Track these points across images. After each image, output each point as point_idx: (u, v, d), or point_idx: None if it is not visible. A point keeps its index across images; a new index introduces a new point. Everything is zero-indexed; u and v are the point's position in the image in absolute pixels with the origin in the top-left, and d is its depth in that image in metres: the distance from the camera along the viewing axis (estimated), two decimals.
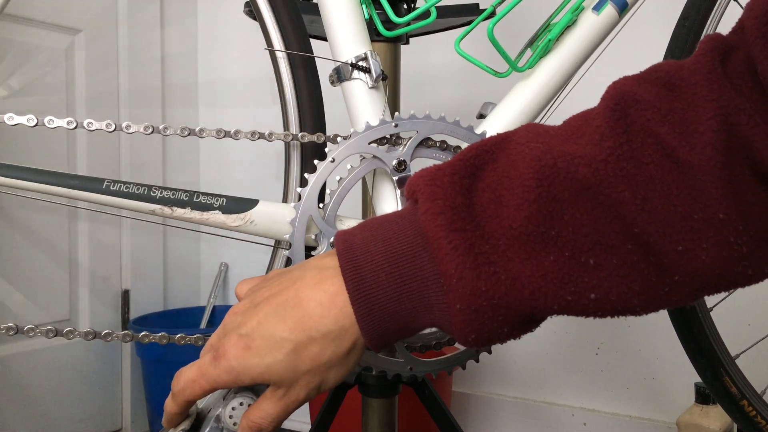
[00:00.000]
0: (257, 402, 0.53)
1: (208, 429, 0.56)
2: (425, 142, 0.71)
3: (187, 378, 0.52)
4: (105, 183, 0.69)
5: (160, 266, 1.86)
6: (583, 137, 0.45)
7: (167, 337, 0.77)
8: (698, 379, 1.04)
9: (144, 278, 1.80)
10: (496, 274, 0.45)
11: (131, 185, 0.69)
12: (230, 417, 0.56)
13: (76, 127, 0.71)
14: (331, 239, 0.69)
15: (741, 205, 0.43)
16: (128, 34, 1.75)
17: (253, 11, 0.83)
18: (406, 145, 0.70)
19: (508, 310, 0.45)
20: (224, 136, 0.74)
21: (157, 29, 1.84)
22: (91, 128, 0.71)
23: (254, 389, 0.55)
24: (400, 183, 0.70)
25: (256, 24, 0.83)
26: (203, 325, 1.79)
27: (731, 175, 0.42)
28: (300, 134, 0.78)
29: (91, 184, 0.69)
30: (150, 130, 0.72)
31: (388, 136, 0.71)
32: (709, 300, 0.98)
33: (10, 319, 0.73)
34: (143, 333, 0.76)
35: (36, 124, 0.70)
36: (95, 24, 1.68)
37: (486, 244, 0.45)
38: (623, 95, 0.46)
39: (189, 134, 0.73)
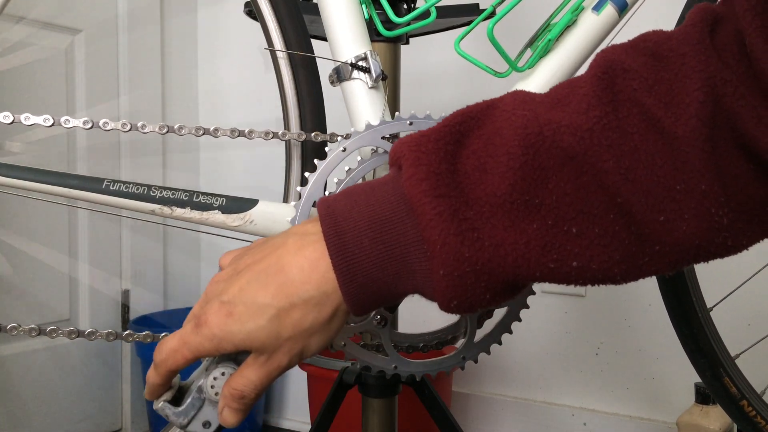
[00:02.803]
0: (239, 370, 0.52)
1: (189, 399, 0.56)
2: None
3: (168, 348, 0.52)
4: (105, 183, 0.69)
5: (160, 266, 1.86)
6: (569, 105, 0.45)
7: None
8: (698, 379, 1.04)
9: (144, 278, 1.80)
10: (479, 240, 0.45)
11: (131, 185, 0.69)
12: (212, 387, 0.55)
13: (91, 127, 0.71)
14: None
15: (723, 177, 0.43)
16: (128, 34, 1.75)
17: (253, 11, 0.83)
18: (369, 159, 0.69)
19: (491, 276, 0.46)
20: (239, 136, 0.74)
21: (158, 29, 1.84)
22: (87, 127, 0.71)
23: (236, 359, 0.54)
24: None
25: (256, 25, 0.83)
26: None
27: (715, 147, 0.43)
28: (300, 134, 0.78)
29: (91, 183, 0.69)
30: (165, 130, 0.72)
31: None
32: (709, 300, 0.98)
33: (10, 319, 0.73)
34: (145, 333, 0.77)
35: (52, 124, 0.70)
36: (95, 24, 1.68)
37: (470, 211, 0.45)
38: (611, 64, 0.46)
39: (188, 134, 0.73)
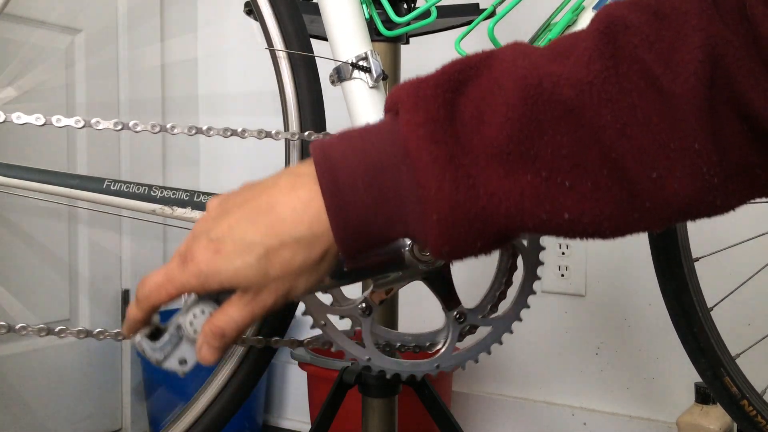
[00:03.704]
0: (222, 308, 0.52)
1: (167, 336, 0.55)
2: None
3: (152, 283, 0.52)
4: (105, 183, 0.69)
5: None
6: (570, 58, 0.45)
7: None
8: (698, 379, 1.04)
9: None
10: (474, 188, 0.45)
11: (132, 185, 0.69)
12: (191, 324, 0.54)
13: (83, 126, 0.70)
14: None
15: (717, 138, 0.43)
16: (128, 34, 1.74)
17: (253, 11, 0.83)
18: None
19: (484, 224, 0.46)
20: (222, 135, 0.74)
21: (158, 29, 1.84)
22: (79, 126, 0.71)
23: (217, 299, 0.54)
24: None
25: (256, 25, 0.83)
26: None
27: (711, 107, 0.43)
28: (294, 133, 0.78)
29: (92, 183, 0.69)
30: (158, 129, 0.72)
31: None
32: (710, 299, 0.98)
33: (10, 319, 0.73)
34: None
35: (44, 124, 0.70)
36: (95, 24, 1.68)
37: (466, 158, 0.45)
38: (613, 19, 0.45)
39: (189, 133, 0.73)
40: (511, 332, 0.73)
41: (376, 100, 0.79)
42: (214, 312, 0.53)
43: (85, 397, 1.66)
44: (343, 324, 0.73)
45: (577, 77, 0.44)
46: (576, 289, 1.52)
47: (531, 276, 0.73)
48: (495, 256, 0.75)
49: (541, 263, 0.73)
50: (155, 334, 0.56)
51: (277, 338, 0.80)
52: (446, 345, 0.72)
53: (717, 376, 0.97)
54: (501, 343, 0.73)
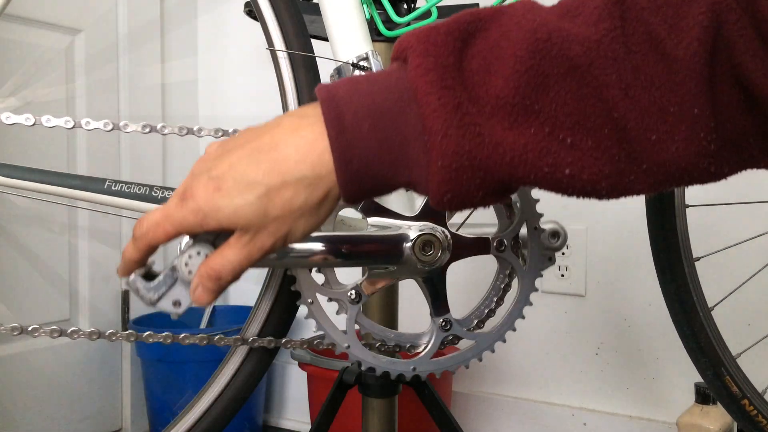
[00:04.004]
0: (219, 250, 0.51)
1: (162, 277, 0.55)
2: None
3: (150, 221, 0.51)
4: (106, 183, 0.69)
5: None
6: (579, 16, 0.46)
7: (171, 336, 0.77)
8: (698, 379, 1.04)
9: None
10: (480, 136, 0.45)
11: (133, 185, 0.69)
12: (186, 265, 0.54)
13: (73, 127, 0.70)
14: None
15: (716, 104, 0.44)
16: (128, 34, 1.74)
17: (253, 11, 0.83)
18: None
19: (487, 173, 0.46)
20: (222, 135, 0.74)
21: (158, 29, 1.84)
22: (89, 128, 0.71)
23: (214, 242, 0.53)
24: (365, 209, 0.69)
25: (256, 25, 0.83)
26: (203, 324, 1.79)
27: (712, 73, 0.43)
28: None
29: (93, 184, 0.69)
30: (148, 129, 0.72)
31: None
32: (711, 299, 0.99)
33: (11, 319, 0.73)
34: (147, 333, 0.77)
35: (33, 123, 0.70)
36: (95, 24, 1.68)
37: (473, 107, 0.46)
38: None
39: (187, 133, 0.73)
40: (493, 351, 0.72)
41: None
42: (212, 254, 0.52)
43: (85, 397, 1.66)
44: (341, 321, 0.73)
45: (585, 35, 0.45)
46: (576, 289, 1.52)
47: (523, 299, 0.72)
48: (491, 272, 0.75)
49: (536, 289, 0.73)
50: (149, 277, 0.56)
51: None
52: (426, 349, 0.71)
53: (718, 375, 0.97)
54: (480, 359, 0.73)
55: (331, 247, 0.64)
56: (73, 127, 0.70)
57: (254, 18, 0.84)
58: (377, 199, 0.69)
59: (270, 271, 0.87)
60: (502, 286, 0.74)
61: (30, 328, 0.72)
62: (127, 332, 0.76)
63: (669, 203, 0.96)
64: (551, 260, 0.75)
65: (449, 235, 0.69)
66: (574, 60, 0.45)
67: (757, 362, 1.07)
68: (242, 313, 1.80)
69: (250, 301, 1.84)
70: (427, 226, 0.68)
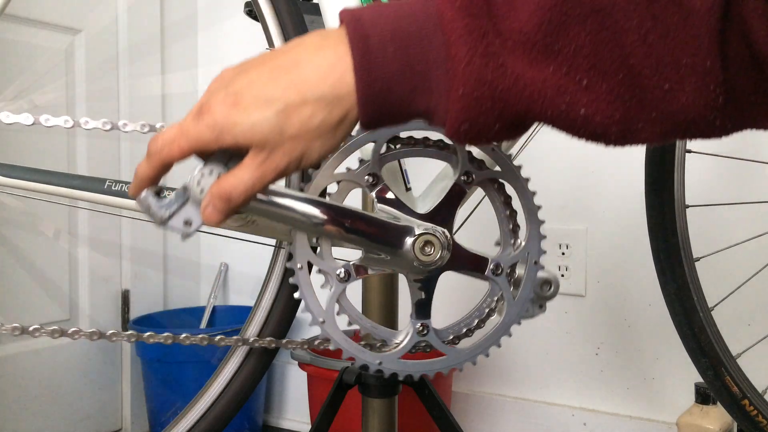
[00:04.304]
0: (232, 170, 0.51)
1: (173, 195, 0.54)
2: (393, 144, 0.69)
3: (165, 137, 0.51)
4: (107, 183, 0.69)
5: (160, 266, 1.86)
6: None
7: (172, 337, 0.77)
8: (698, 379, 1.04)
9: (144, 278, 1.80)
10: (502, 67, 0.46)
11: None
12: (198, 183, 0.53)
13: (72, 126, 0.70)
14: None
15: (725, 59, 0.45)
16: (128, 34, 1.74)
17: (253, 11, 0.83)
18: (369, 159, 0.68)
19: (506, 105, 0.46)
20: None
21: (158, 29, 1.84)
22: (88, 127, 0.71)
23: (227, 164, 0.53)
24: (380, 194, 0.68)
25: (256, 25, 0.83)
26: (203, 325, 1.79)
27: (723, 27, 0.44)
28: None
29: (93, 184, 0.69)
30: (147, 129, 0.72)
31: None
32: (711, 299, 0.99)
33: (10, 319, 0.73)
34: (148, 333, 0.77)
35: (33, 123, 0.70)
36: (95, 24, 1.68)
37: (497, 39, 0.46)
38: None
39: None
40: (461, 370, 0.71)
41: None
42: (225, 174, 0.52)
43: (85, 397, 1.66)
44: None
45: None
46: (576, 289, 1.52)
47: (504, 328, 0.71)
48: (480, 291, 0.74)
49: (519, 322, 0.72)
50: (161, 196, 0.55)
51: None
52: (396, 348, 0.70)
53: (718, 375, 0.97)
54: (445, 373, 0.71)
55: (333, 216, 0.63)
56: (73, 126, 0.70)
57: (254, 18, 0.84)
58: (391, 189, 0.69)
59: (270, 271, 0.87)
60: (487, 309, 0.73)
61: (31, 329, 0.72)
62: (128, 332, 0.76)
63: (669, 203, 0.96)
64: (542, 308, 0.75)
65: (451, 243, 0.69)
66: (596, 2, 0.45)
67: (757, 362, 1.07)
68: (242, 313, 1.80)
69: (250, 301, 1.85)
70: (432, 227, 0.68)
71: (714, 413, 1.20)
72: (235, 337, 0.82)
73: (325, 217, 0.64)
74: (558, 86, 0.46)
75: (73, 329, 0.73)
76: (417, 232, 0.66)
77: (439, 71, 0.47)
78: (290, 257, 0.67)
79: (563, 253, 1.52)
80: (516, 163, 0.71)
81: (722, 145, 1.34)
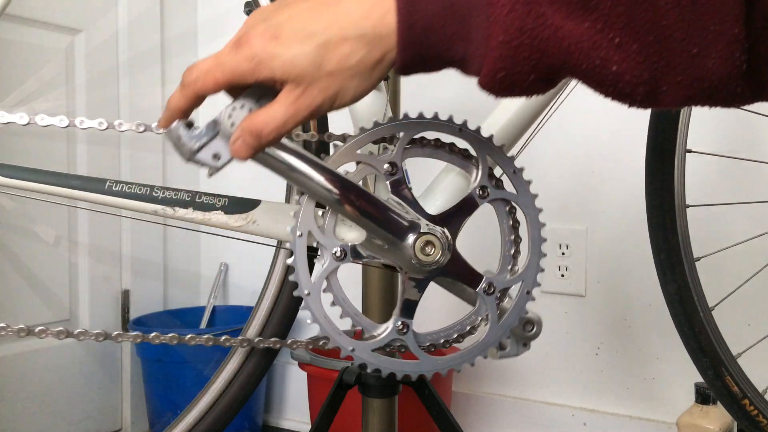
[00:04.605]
0: (266, 106, 0.51)
1: (204, 128, 0.54)
2: (419, 142, 0.70)
3: (201, 68, 0.51)
4: (107, 183, 0.69)
5: (160, 266, 1.86)
6: None
7: (177, 337, 0.77)
8: (698, 379, 1.04)
9: (144, 278, 1.80)
10: (543, 17, 0.46)
11: (133, 185, 0.69)
12: (229, 117, 0.53)
13: (67, 126, 0.70)
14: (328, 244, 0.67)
15: (749, 27, 0.45)
16: (128, 34, 1.74)
17: (253, 11, 0.83)
18: (395, 147, 0.69)
19: (544, 55, 0.47)
20: None
21: (158, 28, 1.84)
22: (83, 126, 0.71)
23: (259, 100, 0.53)
24: (394, 185, 0.69)
25: None
26: (203, 325, 1.79)
27: None
28: (298, 134, 0.78)
29: (93, 184, 0.69)
30: (143, 128, 0.72)
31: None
32: (711, 299, 0.99)
33: (10, 319, 0.73)
34: (153, 334, 0.76)
35: (28, 122, 0.70)
36: (95, 24, 1.68)
37: None
38: None
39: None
40: (429, 379, 0.70)
41: (377, 100, 0.79)
42: (258, 109, 0.51)
43: (85, 397, 1.66)
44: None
45: None
46: (576, 289, 1.52)
47: (481, 349, 0.71)
48: (467, 306, 0.74)
49: (498, 349, 0.72)
50: (190, 129, 0.55)
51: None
52: (371, 340, 0.69)
53: (718, 375, 0.97)
54: (413, 378, 0.71)
55: (346, 189, 0.63)
56: (68, 126, 0.70)
57: None
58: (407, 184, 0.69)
59: (271, 270, 0.87)
60: (469, 327, 0.73)
61: (37, 330, 0.72)
62: (134, 333, 0.76)
63: (669, 203, 0.96)
64: (525, 346, 0.76)
65: (452, 249, 0.69)
66: None
67: (758, 362, 1.07)
68: (242, 313, 1.80)
69: (250, 301, 1.84)
70: (437, 228, 0.68)
71: (714, 413, 1.20)
72: (240, 338, 0.82)
73: (338, 187, 0.64)
74: (593, 41, 0.46)
75: (79, 330, 0.73)
76: (422, 230, 0.67)
77: (480, 17, 0.47)
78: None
79: (563, 253, 1.52)
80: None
81: (722, 145, 1.35)
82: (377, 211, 0.65)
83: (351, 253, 0.68)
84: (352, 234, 0.70)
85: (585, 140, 1.48)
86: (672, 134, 0.95)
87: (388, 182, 0.68)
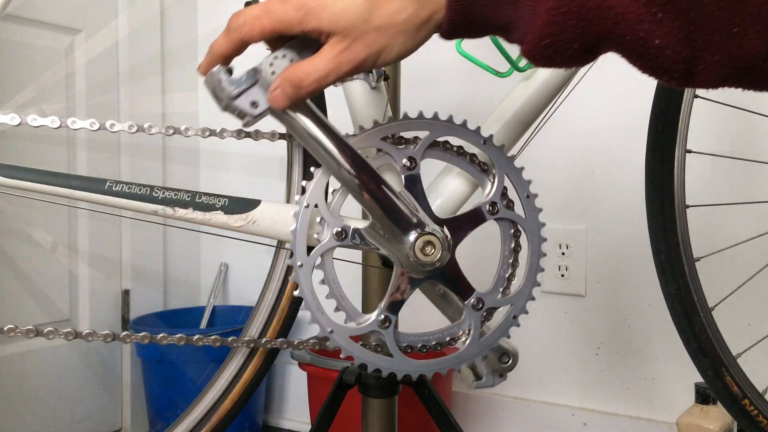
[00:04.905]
0: (309, 58, 0.51)
1: (244, 74, 0.54)
2: (441, 145, 0.71)
3: (248, 14, 0.51)
4: (107, 183, 0.69)
5: (160, 266, 1.86)
6: None
7: (185, 338, 0.77)
8: (698, 379, 1.04)
9: (144, 278, 1.80)
10: None
11: (133, 186, 0.69)
12: (270, 65, 0.53)
13: (60, 126, 0.70)
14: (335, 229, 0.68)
15: None
16: (128, 34, 1.74)
17: None
18: (418, 143, 0.69)
19: (590, 24, 0.47)
20: (228, 137, 0.74)
21: (158, 28, 1.84)
22: (75, 127, 0.71)
23: (301, 53, 0.52)
24: (409, 181, 0.69)
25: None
26: (203, 325, 1.79)
27: None
28: None
29: (94, 184, 0.69)
30: (135, 129, 0.72)
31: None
32: (711, 299, 0.99)
33: (10, 319, 0.73)
34: (161, 334, 0.76)
35: (19, 123, 0.70)
36: (95, 24, 1.68)
37: None
38: None
39: (174, 133, 0.73)
40: (400, 380, 0.71)
41: (378, 100, 0.79)
42: (300, 60, 0.51)
43: (85, 397, 1.66)
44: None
45: None
46: (576, 289, 1.52)
47: (455, 361, 0.72)
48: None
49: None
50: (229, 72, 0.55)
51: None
52: (351, 325, 0.69)
53: (718, 375, 0.97)
54: (383, 375, 0.71)
55: (362, 170, 0.63)
56: (60, 126, 0.70)
57: None
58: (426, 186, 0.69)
59: (271, 270, 0.87)
60: (449, 338, 0.72)
61: (45, 331, 0.72)
62: (142, 334, 0.76)
63: (669, 203, 0.96)
64: (502, 377, 0.76)
65: (450, 256, 0.69)
66: None
67: (758, 362, 1.07)
68: (242, 313, 1.80)
69: (250, 301, 1.85)
70: (441, 232, 0.68)
71: (714, 413, 1.20)
72: (248, 338, 0.82)
73: (355, 166, 0.63)
74: (638, 14, 0.46)
75: (88, 331, 0.73)
76: (426, 229, 0.67)
77: None
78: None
79: (563, 253, 1.52)
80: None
81: (722, 145, 1.35)
82: (388, 200, 0.65)
83: (351, 236, 0.68)
84: (358, 221, 0.70)
85: (585, 140, 1.48)
86: (672, 134, 0.95)
87: (403, 176, 0.69)
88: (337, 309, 0.70)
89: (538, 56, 0.49)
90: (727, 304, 1.05)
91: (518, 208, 0.72)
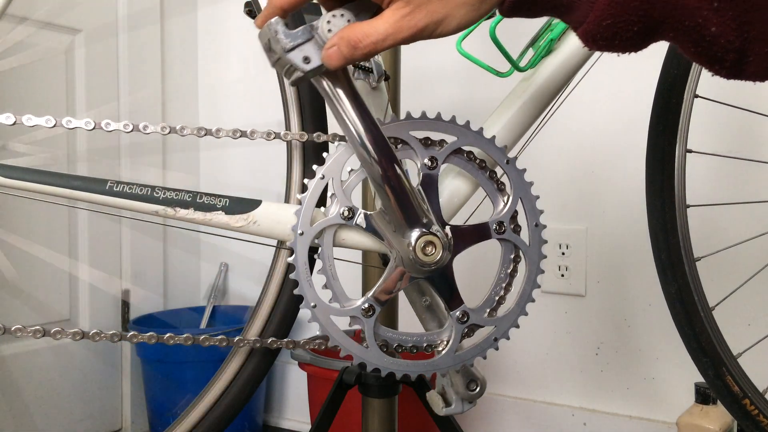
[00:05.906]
0: (369, 20, 0.51)
1: (301, 29, 0.53)
2: (466, 154, 0.71)
3: None
4: (108, 184, 0.69)
5: (160, 266, 1.86)
6: None
7: (192, 338, 0.77)
8: (698, 379, 1.04)
9: (144, 278, 1.80)
10: None
11: (134, 186, 0.69)
12: (328, 23, 0.52)
13: (54, 126, 0.70)
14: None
15: None
16: (128, 34, 1.74)
17: (253, 11, 0.82)
18: (444, 146, 0.70)
19: (652, 7, 0.47)
20: (224, 136, 0.74)
21: (158, 29, 1.84)
22: (70, 126, 0.71)
23: (359, 15, 0.52)
24: (426, 180, 0.69)
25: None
26: (203, 325, 1.79)
27: None
28: (302, 134, 0.77)
29: (94, 185, 0.69)
30: (130, 128, 0.72)
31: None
32: (711, 299, 0.98)
33: (10, 318, 0.73)
34: (168, 335, 0.76)
35: (14, 123, 0.70)
36: (95, 24, 1.68)
37: None
38: None
39: (169, 132, 0.73)
40: (376, 372, 0.71)
41: (378, 100, 0.79)
42: (360, 22, 0.51)
43: (85, 397, 1.66)
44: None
45: None
46: (576, 289, 1.52)
47: (433, 366, 0.72)
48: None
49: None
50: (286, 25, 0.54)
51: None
52: (336, 306, 0.69)
53: (719, 375, 0.97)
54: (352, 364, 0.70)
55: (385, 153, 0.63)
56: (54, 126, 0.70)
57: (254, 18, 0.84)
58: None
59: (271, 270, 0.87)
60: (426, 344, 0.73)
61: (53, 331, 0.72)
62: (148, 334, 0.75)
63: (670, 203, 0.96)
64: (471, 403, 0.77)
65: (448, 262, 0.69)
66: None
67: (758, 362, 1.06)
68: (242, 313, 1.80)
69: (250, 301, 1.84)
70: (446, 236, 0.68)
71: (714, 413, 1.20)
72: (253, 338, 0.82)
73: (379, 148, 0.63)
74: (697, 1, 0.47)
75: (95, 331, 0.73)
76: (432, 229, 0.67)
77: None
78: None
79: (563, 253, 1.52)
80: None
81: (722, 145, 1.35)
82: (403, 192, 0.65)
83: (357, 218, 0.68)
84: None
85: (585, 140, 1.48)
86: (672, 134, 0.95)
87: (421, 174, 0.69)
88: (325, 287, 0.69)
89: (598, 37, 0.49)
90: (728, 303, 1.05)
91: (524, 235, 0.72)
